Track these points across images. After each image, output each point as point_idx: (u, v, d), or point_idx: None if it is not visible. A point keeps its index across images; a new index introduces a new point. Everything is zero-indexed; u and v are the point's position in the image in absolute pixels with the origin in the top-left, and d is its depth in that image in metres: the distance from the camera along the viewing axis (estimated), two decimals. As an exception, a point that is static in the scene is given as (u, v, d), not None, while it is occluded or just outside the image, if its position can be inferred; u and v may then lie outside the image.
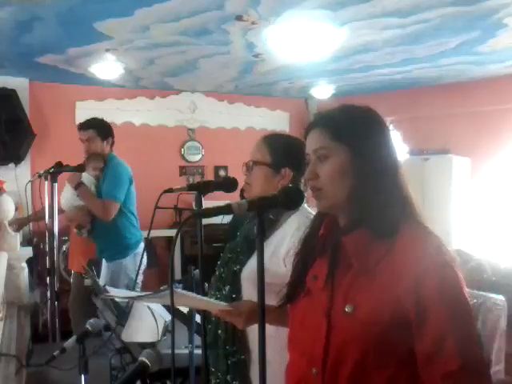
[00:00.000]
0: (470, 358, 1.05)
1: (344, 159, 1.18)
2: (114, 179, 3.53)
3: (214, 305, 1.48)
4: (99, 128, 3.58)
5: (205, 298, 1.58)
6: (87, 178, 3.55)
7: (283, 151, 1.75)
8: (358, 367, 1.09)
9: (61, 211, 3.63)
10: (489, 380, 1.07)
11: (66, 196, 3.63)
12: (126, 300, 2.32)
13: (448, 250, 1.13)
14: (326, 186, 1.19)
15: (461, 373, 1.04)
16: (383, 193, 1.16)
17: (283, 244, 1.66)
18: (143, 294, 1.86)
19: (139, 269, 3.29)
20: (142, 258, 3.10)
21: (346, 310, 1.12)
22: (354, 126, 1.20)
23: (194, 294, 1.53)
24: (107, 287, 2.58)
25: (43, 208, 3.51)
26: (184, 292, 1.41)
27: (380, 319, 1.08)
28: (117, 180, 3.52)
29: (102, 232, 3.58)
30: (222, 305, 1.46)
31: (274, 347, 1.51)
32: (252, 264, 1.67)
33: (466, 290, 1.11)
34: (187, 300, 1.51)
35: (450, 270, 1.10)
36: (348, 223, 1.21)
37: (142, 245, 3.61)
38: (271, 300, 1.26)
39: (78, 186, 3.45)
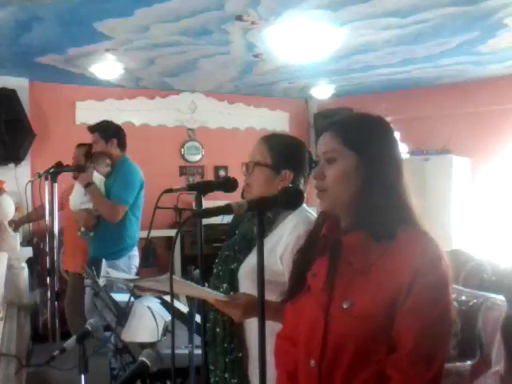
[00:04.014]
0: (425, 345, 1.13)
1: (350, 164, 1.25)
2: (126, 182, 3.55)
3: (212, 294, 1.49)
4: (101, 130, 3.65)
5: (203, 288, 1.58)
6: (97, 176, 3.56)
7: (283, 152, 1.75)
8: (354, 359, 1.16)
9: (60, 208, 3.63)
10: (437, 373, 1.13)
11: (74, 197, 3.63)
12: (126, 298, 2.31)
13: (442, 252, 1.21)
14: (331, 187, 1.26)
15: (409, 356, 1.12)
16: (385, 198, 1.23)
17: (280, 243, 1.66)
18: (143, 278, 1.87)
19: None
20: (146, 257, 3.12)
21: (344, 306, 1.20)
22: (362, 134, 1.28)
23: (193, 283, 1.54)
24: (108, 269, 2.58)
25: (42, 205, 3.51)
26: (182, 280, 1.43)
27: (374, 314, 1.16)
28: (128, 183, 3.56)
29: (103, 232, 3.57)
30: (220, 295, 1.47)
31: (271, 346, 1.52)
32: (249, 262, 1.68)
33: (452, 289, 1.20)
34: (185, 288, 1.53)
35: (443, 272, 1.18)
36: (349, 224, 1.28)
37: (136, 247, 3.69)
38: (267, 297, 1.28)
39: (88, 185, 3.46)
